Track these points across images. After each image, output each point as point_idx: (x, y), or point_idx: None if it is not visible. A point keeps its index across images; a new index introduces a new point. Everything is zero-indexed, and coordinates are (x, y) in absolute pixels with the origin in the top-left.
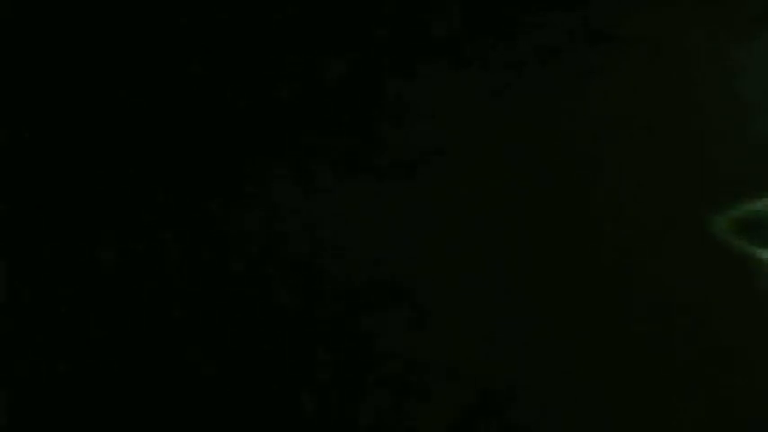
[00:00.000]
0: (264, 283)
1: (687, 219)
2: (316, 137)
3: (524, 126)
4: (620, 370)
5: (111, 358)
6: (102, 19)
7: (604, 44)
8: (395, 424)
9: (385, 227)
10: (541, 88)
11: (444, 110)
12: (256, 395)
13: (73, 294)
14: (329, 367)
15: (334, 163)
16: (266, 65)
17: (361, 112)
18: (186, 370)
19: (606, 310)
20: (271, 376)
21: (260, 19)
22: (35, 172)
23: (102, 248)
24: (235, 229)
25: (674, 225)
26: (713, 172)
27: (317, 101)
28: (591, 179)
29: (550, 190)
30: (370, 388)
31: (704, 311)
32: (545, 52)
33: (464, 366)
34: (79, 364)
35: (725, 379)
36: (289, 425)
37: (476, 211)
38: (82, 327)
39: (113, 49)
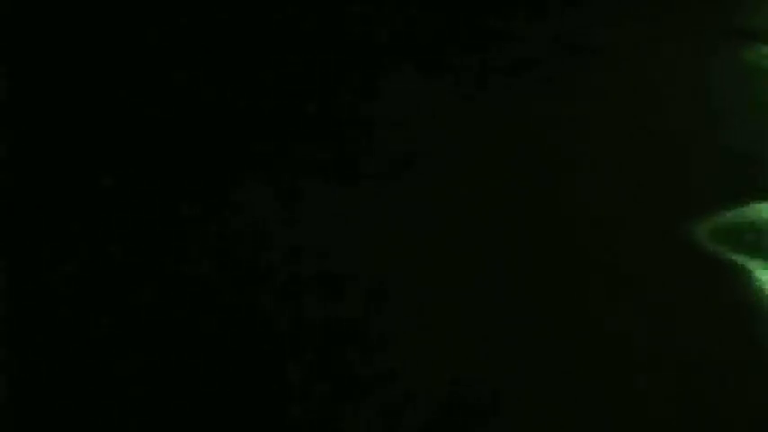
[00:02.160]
0: (249, 284)
1: (665, 223)
2: (297, 145)
3: (502, 132)
4: (605, 369)
5: (94, 358)
6: (87, 30)
7: (577, 54)
8: (385, 420)
9: (365, 231)
10: (516, 96)
11: (419, 118)
12: (238, 394)
13: (65, 295)
14: (316, 367)
15: (315, 170)
16: (247, 77)
17: (340, 121)
18: (169, 369)
19: (590, 311)
20: (257, 376)
21: (241, 33)
22: (18, 179)
23: (86, 252)
24: (220, 234)
25: (651, 228)
26: (686, 178)
27: (298, 110)
28: (565, 184)
29: (526, 193)
30: (362, 387)
31: (686, 313)
32: (520, 61)
33: (453, 364)
34: (70, 361)
35: (704, 379)
36: (276, 420)
37: (454, 215)
38: (71, 326)
39: (98, 61)
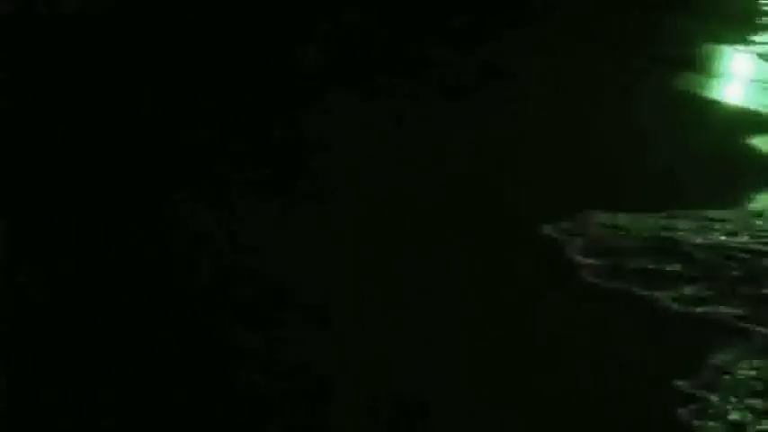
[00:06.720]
0: (186, 299)
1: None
2: (233, 167)
3: (427, 156)
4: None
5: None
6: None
7: (508, 80)
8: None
9: (298, 249)
10: (446, 121)
11: (352, 140)
12: (179, 406)
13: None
14: (245, 381)
15: (250, 190)
16: (184, 99)
17: (275, 142)
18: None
19: (526, 333)
20: (192, 390)
21: (180, 57)
22: None
23: (28, 271)
24: (158, 250)
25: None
26: (614, 199)
27: (234, 132)
28: (495, 207)
29: (457, 216)
30: (287, 397)
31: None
32: (449, 87)
33: (375, 376)
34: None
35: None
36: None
37: (384, 238)
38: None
39: (50, 85)
